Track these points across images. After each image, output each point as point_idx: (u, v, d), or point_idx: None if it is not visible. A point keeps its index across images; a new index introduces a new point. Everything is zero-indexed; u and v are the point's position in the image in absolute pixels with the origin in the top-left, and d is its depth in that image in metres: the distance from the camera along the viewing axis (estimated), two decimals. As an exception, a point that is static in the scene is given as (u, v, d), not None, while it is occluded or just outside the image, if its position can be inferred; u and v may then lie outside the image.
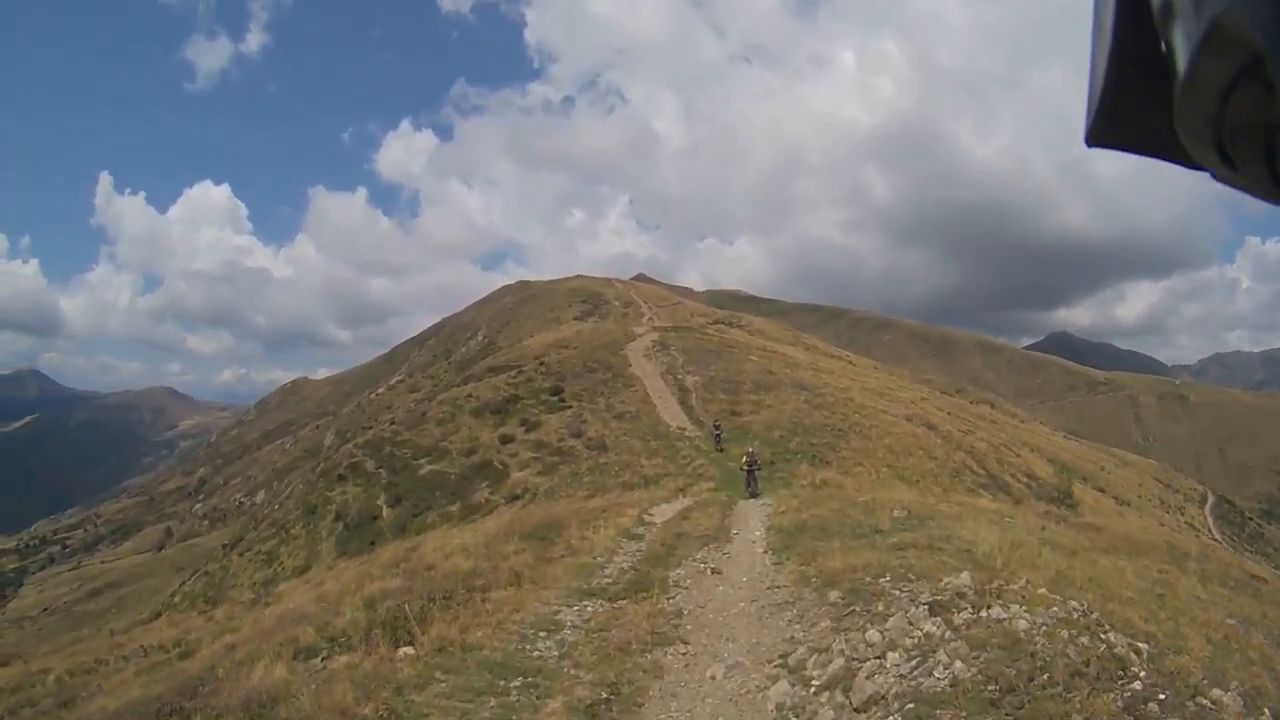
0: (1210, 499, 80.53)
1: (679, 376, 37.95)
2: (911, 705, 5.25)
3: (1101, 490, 48.16)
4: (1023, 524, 13.02)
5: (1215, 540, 59.65)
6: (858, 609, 7.41)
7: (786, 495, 17.15)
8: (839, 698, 5.82)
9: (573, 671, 6.81)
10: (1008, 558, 8.47)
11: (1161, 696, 5.05)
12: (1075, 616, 6.28)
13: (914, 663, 5.91)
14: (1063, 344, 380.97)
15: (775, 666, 6.72)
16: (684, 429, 29.21)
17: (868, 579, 8.14)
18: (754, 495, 18.39)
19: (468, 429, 34.23)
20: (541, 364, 41.72)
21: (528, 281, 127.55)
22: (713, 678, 6.71)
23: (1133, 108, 0.64)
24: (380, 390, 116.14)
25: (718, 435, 27.36)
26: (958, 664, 5.60)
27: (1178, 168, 0.65)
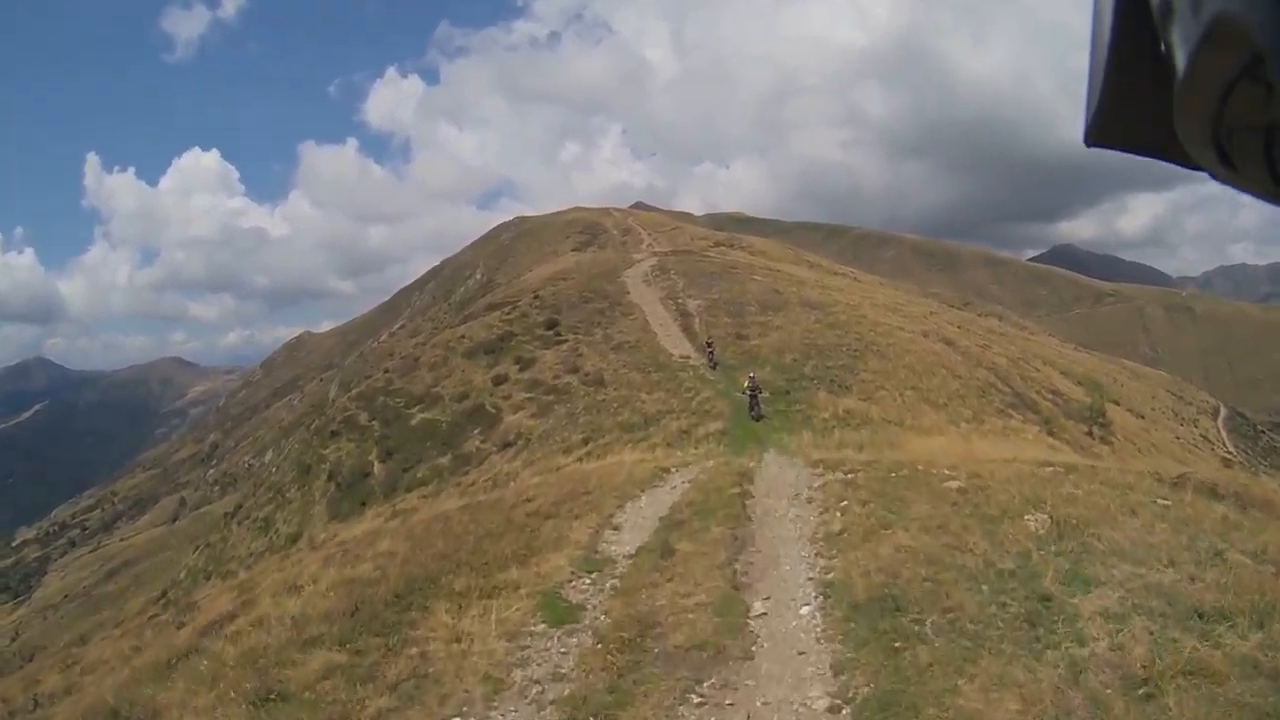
0: (1223, 412, 79.00)
1: (680, 301, 35.61)
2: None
3: (1116, 403, 46.16)
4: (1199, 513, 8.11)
5: (1230, 454, 58.28)
6: None
7: (814, 445, 14.20)
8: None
9: None
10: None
11: None
12: None
13: None
14: (1066, 256, 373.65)
15: None
16: (687, 357, 27.02)
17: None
18: (758, 419, 18.44)
19: (460, 372, 32.20)
20: (536, 298, 39.42)
21: (525, 217, 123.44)
22: None
23: (1132, 107, 0.63)
24: (382, 338, 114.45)
25: (710, 353, 25.99)
26: None
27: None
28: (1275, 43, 0.46)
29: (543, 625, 6.76)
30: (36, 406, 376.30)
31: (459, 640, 6.45)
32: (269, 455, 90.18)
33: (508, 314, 37.69)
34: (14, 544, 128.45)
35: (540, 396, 26.06)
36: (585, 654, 6.16)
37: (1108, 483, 9.61)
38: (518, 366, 29.72)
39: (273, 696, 5.85)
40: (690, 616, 6.58)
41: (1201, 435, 64.29)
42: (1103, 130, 0.65)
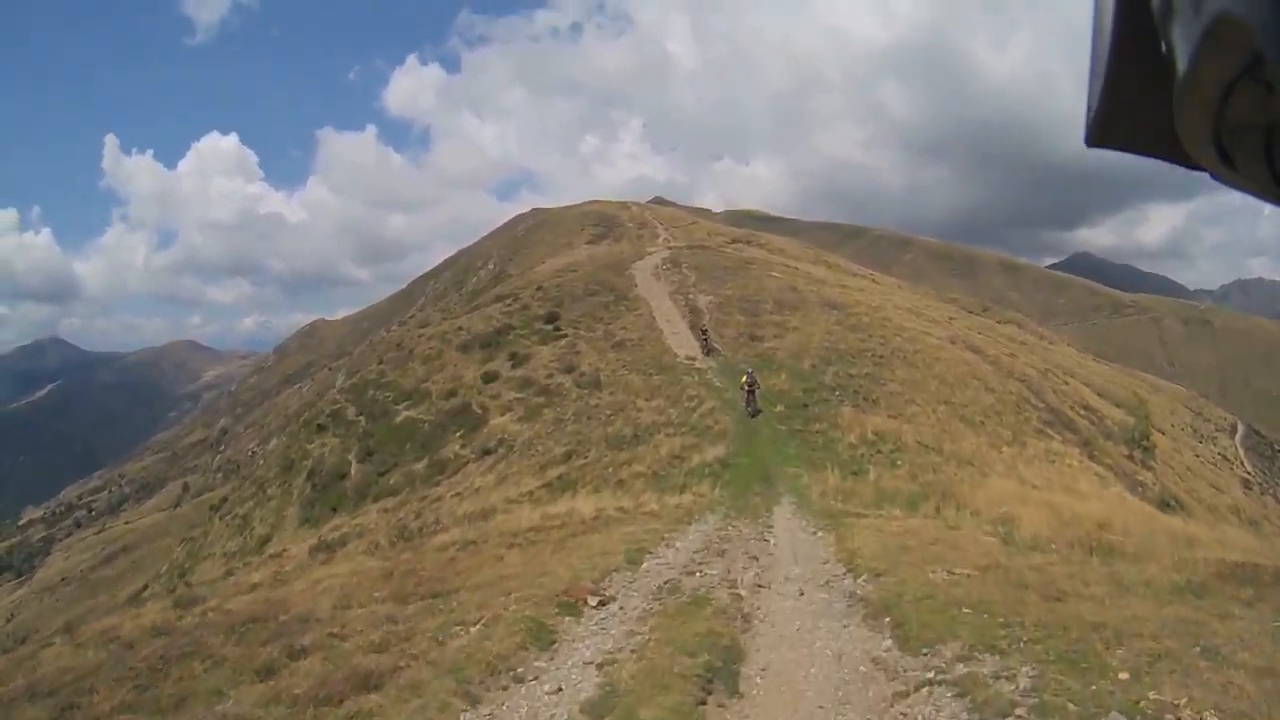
0: (1240, 429, 75.74)
1: (690, 296, 33.30)
2: None
3: (1162, 431, 43.45)
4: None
5: (1249, 474, 55.33)
6: None
7: (844, 494, 11.18)
8: None
9: None
10: None
11: None
12: None
13: None
14: (1085, 264, 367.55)
15: None
16: (693, 359, 24.69)
17: None
18: (754, 414, 18.08)
19: (453, 366, 30.11)
20: (539, 290, 37.23)
21: (541, 208, 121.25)
22: None
23: (1132, 107, 0.63)
24: (393, 327, 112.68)
25: (705, 339, 24.91)
26: None
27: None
28: (1276, 43, 0.46)
29: None
30: (50, 386, 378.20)
31: None
32: (273, 443, 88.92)
33: (509, 305, 35.60)
34: (20, 523, 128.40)
35: (530, 398, 23.85)
36: None
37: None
38: (511, 363, 27.58)
39: None
40: None
41: (1220, 454, 61.46)
42: (1104, 130, 0.65)
